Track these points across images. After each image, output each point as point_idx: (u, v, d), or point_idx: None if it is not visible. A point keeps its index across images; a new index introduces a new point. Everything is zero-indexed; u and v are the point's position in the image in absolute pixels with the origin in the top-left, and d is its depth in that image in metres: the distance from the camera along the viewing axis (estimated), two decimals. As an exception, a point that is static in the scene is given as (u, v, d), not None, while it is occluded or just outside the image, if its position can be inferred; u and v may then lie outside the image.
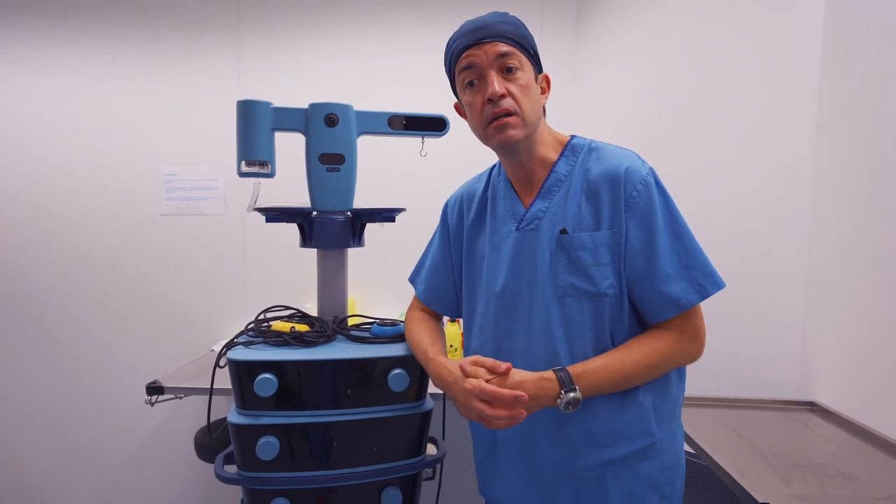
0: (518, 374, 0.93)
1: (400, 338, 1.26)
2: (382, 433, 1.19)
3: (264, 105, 1.32)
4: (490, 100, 0.97)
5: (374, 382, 1.17)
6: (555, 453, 1.02)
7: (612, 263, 0.97)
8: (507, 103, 0.97)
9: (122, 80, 2.52)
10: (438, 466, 1.33)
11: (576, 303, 0.98)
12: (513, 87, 0.97)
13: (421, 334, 1.15)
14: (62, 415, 2.62)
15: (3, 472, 2.66)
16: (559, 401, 0.91)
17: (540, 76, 1.04)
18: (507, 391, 0.90)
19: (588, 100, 2.33)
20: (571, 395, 0.91)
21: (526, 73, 0.99)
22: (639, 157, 1.02)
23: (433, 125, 1.43)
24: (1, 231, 2.58)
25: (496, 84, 0.96)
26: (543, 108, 1.06)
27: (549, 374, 0.93)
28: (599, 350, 0.98)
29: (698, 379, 1.83)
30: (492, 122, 0.98)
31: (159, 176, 2.53)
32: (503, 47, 0.97)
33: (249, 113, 1.31)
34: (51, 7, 2.51)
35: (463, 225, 1.17)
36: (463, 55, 1.00)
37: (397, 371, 1.17)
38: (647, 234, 0.96)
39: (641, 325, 1.02)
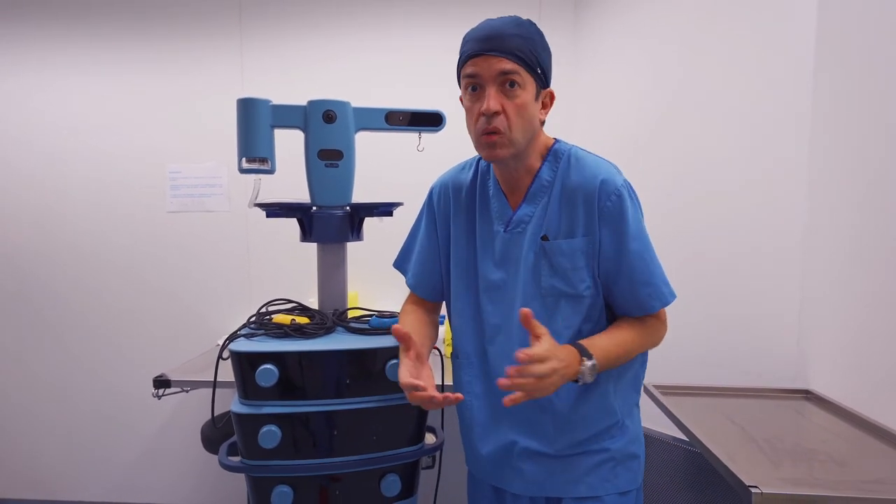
0: (552, 347, 0.92)
1: (397, 329, 1.28)
2: (381, 422, 1.22)
3: (263, 102, 1.35)
4: (484, 113, 0.99)
5: (373, 372, 1.20)
6: (528, 440, 1.11)
7: (587, 267, 1.05)
8: (499, 121, 0.99)
9: (127, 79, 2.55)
10: (437, 455, 1.36)
11: (555, 301, 1.07)
12: (509, 105, 0.99)
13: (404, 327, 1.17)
14: (71, 412, 2.67)
15: (14, 470, 2.72)
16: (582, 367, 0.95)
17: (544, 92, 1.05)
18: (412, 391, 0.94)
19: (585, 98, 2.35)
20: (591, 362, 0.95)
21: (526, 92, 1.00)
22: (615, 169, 1.07)
23: (430, 120, 1.45)
24: (6, 229, 2.63)
25: (492, 101, 0.98)
26: (543, 121, 1.08)
27: (567, 345, 0.97)
28: (573, 341, 1.01)
29: (698, 369, 1.86)
30: (482, 136, 1.01)
31: (165, 173, 2.57)
32: (507, 65, 0.97)
33: (249, 110, 1.34)
34: (55, 7, 2.54)
35: (449, 212, 1.20)
36: (468, 62, 1.00)
37: (395, 361, 1.19)
38: (619, 241, 1.03)
39: (610, 322, 1.10)
